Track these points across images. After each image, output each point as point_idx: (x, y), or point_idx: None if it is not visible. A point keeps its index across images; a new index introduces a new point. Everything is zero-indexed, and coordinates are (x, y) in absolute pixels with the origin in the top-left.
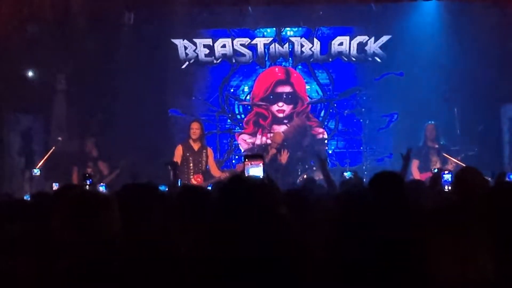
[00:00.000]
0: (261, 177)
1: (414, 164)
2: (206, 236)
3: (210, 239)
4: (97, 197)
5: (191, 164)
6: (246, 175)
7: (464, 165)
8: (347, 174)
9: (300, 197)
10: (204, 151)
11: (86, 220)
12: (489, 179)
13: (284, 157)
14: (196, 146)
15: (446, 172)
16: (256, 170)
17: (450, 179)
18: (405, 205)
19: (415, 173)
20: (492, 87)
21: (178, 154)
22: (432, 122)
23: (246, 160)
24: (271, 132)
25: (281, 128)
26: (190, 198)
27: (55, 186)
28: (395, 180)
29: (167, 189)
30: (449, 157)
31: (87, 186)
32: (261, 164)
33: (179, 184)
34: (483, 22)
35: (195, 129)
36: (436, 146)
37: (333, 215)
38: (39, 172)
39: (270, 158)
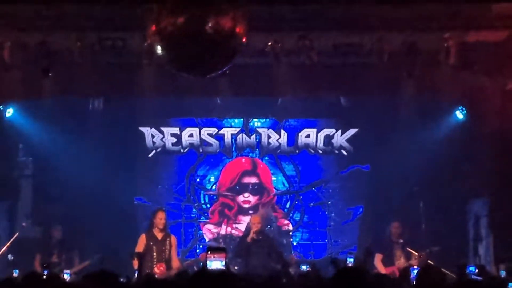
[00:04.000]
0: (223, 269)
1: (378, 258)
2: None
3: None
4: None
5: (154, 253)
6: (209, 268)
7: (428, 260)
8: (304, 267)
9: None
10: (168, 239)
11: None
12: (453, 275)
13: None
14: (160, 235)
15: (415, 267)
16: (218, 263)
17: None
18: None
19: (380, 267)
20: (457, 183)
21: (142, 243)
22: (397, 218)
23: (209, 252)
24: (236, 223)
25: (247, 219)
26: None
27: (15, 273)
28: (358, 274)
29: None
30: (414, 252)
31: (44, 276)
32: (223, 257)
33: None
34: (449, 119)
35: (161, 218)
36: (401, 241)
37: None
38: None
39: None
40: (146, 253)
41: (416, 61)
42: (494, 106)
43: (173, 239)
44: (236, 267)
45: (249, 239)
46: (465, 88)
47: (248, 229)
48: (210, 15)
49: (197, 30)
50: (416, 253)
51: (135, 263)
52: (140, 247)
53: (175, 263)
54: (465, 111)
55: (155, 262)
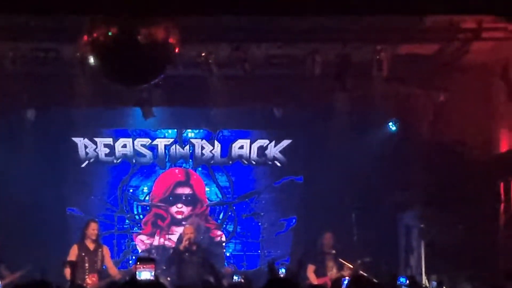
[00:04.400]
0: (152, 280)
1: (310, 269)
2: None
3: None
4: None
5: (87, 264)
6: (138, 279)
7: (360, 271)
8: (236, 278)
9: None
10: (100, 250)
11: None
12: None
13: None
14: (92, 246)
15: (346, 278)
16: (147, 274)
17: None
18: None
19: (312, 277)
20: (389, 194)
21: (73, 253)
22: (330, 229)
23: (138, 263)
24: (169, 234)
25: (180, 230)
26: None
27: None
28: (289, 285)
29: None
30: (346, 263)
31: None
32: (152, 268)
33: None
34: (383, 130)
35: (93, 229)
36: (333, 251)
37: None
38: None
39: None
40: (78, 264)
41: (349, 73)
42: (426, 118)
43: (105, 249)
44: (168, 278)
45: (181, 247)
46: (398, 100)
47: (180, 239)
48: (143, 25)
49: (130, 41)
50: (348, 264)
51: (67, 272)
52: (72, 257)
53: (113, 271)
54: (397, 123)
55: (87, 273)
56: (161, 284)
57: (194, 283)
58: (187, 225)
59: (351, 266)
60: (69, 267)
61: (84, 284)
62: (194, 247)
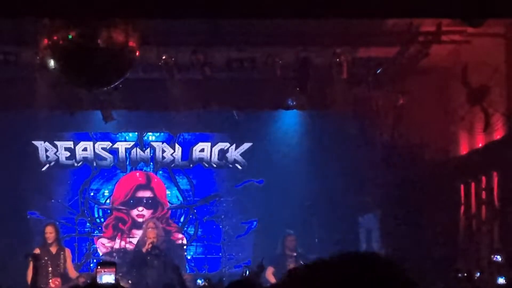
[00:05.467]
0: (113, 283)
1: (269, 271)
2: None
3: None
4: None
5: (50, 268)
6: (99, 283)
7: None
8: (200, 281)
9: None
10: (62, 253)
11: None
12: None
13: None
14: (53, 249)
15: None
16: (108, 278)
17: None
18: None
19: (271, 279)
20: (350, 197)
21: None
22: (292, 232)
23: (99, 267)
24: (131, 237)
25: (141, 233)
26: None
27: None
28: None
29: None
30: None
31: None
32: (113, 272)
33: None
34: (342, 132)
35: (49, 233)
36: (294, 254)
37: None
38: None
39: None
40: (41, 267)
41: (309, 75)
42: (386, 120)
43: (67, 251)
44: (130, 282)
45: (144, 250)
46: (358, 102)
47: (141, 242)
48: (102, 29)
49: (90, 44)
50: None
51: (30, 272)
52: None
53: (73, 274)
54: (358, 125)
55: (50, 277)
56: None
57: (156, 287)
58: (150, 229)
59: None
60: (32, 259)
61: None
62: (157, 250)
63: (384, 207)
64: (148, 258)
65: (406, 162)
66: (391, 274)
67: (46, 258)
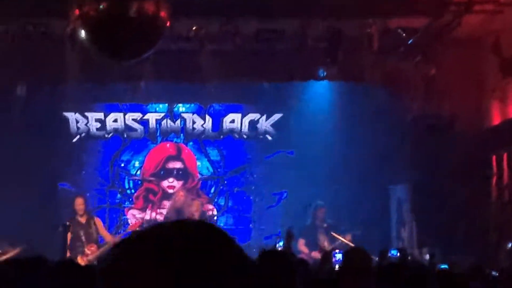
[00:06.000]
0: None
1: (301, 242)
2: None
3: None
4: None
5: (83, 237)
6: None
7: (352, 244)
8: None
9: None
10: (92, 221)
11: None
12: (376, 258)
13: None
14: (83, 219)
15: (337, 251)
16: None
17: (341, 258)
18: (293, 283)
19: (304, 250)
20: (380, 168)
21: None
22: (322, 203)
23: None
24: (161, 208)
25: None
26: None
27: None
28: (283, 258)
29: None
30: (337, 236)
31: None
32: None
33: None
34: (372, 103)
35: (79, 204)
36: (325, 225)
37: None
38: None
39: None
40: (74, 238)
41: (340, 46)
42: (417, 91)
43: (97, 220)
44: None
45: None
46: (389, 74)
47: (170, 212)
48: None
49: (120, 14)
50: (340, 238)
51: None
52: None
53: (109, 238)
54: (388, 97)
55: (85, 245)
56: None
57: None
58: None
59: (343, 240)
60: (64, 230)
61: (84, 256)
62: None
63: (414, 178)
64: None
65: (437, 133)
66: (219, 245)
67: (77, 228)
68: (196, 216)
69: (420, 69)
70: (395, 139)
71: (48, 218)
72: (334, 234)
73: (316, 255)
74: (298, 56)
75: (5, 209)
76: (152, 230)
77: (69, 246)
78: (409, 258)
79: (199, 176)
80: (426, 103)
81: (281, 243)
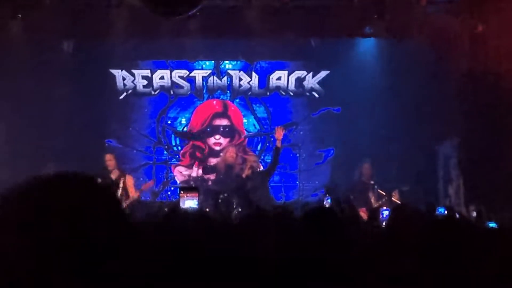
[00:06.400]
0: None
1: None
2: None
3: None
4: None
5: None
6: (182, 207)
7: (399, 201)
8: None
9: None
10: (122, 178)
11: None
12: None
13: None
14: (113, 176)
15: (384, 208)
16: (191, 202)
17: (388, 215)
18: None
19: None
20: (427, 125)
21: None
22: (368, 160)
23: (182, 192)
24: (208, 165)
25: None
26: None
27: None
28: (331, 215)
29: None
30: (384, 193)
31: None
32: (196, 197)
33: None
34: (419, 60)
35: (108, 160)
36: (371, 182)
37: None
38: None
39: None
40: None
41: (386, 2)
42: (463, 48)
43: (128, 177)
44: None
45: (244, 175)
46: (436, 30)
47: (219, 168)
48: None
49: None
50: (388, 194)
51: None
52: None
53: (132, 195)
54: (435, 53)
55: None
56: (207, 212)
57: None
58: (251, 154)
59: (389, 196)
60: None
61: None
62: (253, 175)
63: (461, 135)
64: (248, 180)
65: (483, 91)
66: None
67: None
68: (248, 173)
69: (467, 25)
70: (441, 96)
71: (96, 173)
72: (380, 191)
73: (363, 212)
74: (345, 13)
75: (52, 166)
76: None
77: None
78: (456, 215)
79: (245, 133)
80: (473, 59)
81: (329, 200)
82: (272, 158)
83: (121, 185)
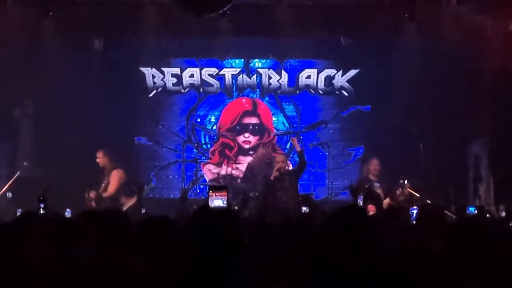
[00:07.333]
0: (225, 207)
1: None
2: (170, 269)
3: (175, 272)
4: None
5: (102, 184)
6: (211, 206)
7: (428, 200)
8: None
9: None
10: (112, 172)
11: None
12: (453, 216)
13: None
14: (107, 171)
15: (414, 207)
16: (219, 202)
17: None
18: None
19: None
20: (458, 124)
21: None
22: (374, 156)
23: (211, 191)
24: (237, 163)
25: (247, 159)
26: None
27: (18, 212)
28: (360, 213)
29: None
30: (414, 192)
31: (40, 210)
32: (224, 196)
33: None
34: (450, 58)
35: (98, 158)
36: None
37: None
38: (11, 195)
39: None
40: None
41: (417, 2)
42: (495, 47)
43: (115, 171)
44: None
45: (272, 177)
46: (467, 29)
47: (253, 167)
48: None
49: None
50: (416, 193)
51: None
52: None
53: (111, 190)
54: (466, 52)
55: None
56: (234, 211)
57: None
58: (278, 154)
59: (415, 194)
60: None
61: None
62: (286, 176)
63: (492, 134)
64: (276, 182)
65: None
66: None
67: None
68: (276, 174)
69: (499, 24)
70: (472, 94)
71: (126, 172)
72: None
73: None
74: (376, 11)
75: (83, 163)
76: None
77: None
78: (487, 215)
79: (275, 131)
80: (505, 57)
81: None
82: (299, 159)
83: (105, 180)
